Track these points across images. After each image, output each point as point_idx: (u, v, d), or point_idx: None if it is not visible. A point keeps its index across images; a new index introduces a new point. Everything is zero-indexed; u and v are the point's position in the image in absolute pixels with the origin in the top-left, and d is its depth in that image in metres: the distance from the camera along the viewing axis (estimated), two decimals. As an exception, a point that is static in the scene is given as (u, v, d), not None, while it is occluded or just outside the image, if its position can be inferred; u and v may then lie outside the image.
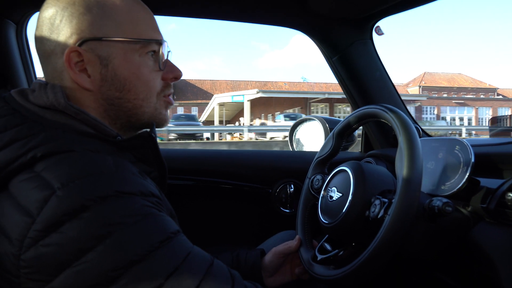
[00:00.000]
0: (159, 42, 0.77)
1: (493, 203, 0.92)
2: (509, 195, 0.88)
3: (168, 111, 0.84)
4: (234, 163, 1.64)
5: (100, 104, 0.74)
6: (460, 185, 0.99)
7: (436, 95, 42.23)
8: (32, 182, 0.58)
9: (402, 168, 0.80)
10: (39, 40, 0.73)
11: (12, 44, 1.30)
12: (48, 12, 0.71)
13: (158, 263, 0.57)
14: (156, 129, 0.85)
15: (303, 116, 2.14)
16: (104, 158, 0.64)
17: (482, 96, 42.06)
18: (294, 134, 2.15)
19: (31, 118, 0.67)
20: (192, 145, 14.28)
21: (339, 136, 1.13)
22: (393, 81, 1.55)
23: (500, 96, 45.98)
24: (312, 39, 1.51)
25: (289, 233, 1.32)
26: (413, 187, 0.78)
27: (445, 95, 42.74)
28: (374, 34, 1.46)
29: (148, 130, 0.78)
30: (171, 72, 0.81)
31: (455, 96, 43.76)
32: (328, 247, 1.01)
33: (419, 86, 44.55)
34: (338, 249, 0.97)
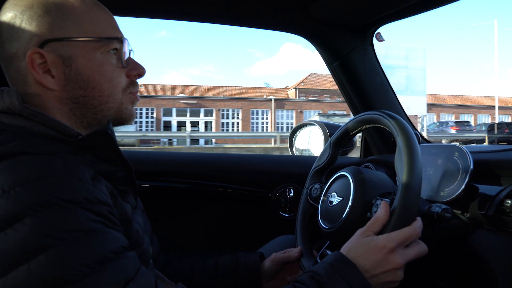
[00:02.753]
0: (120, 39, 0.78)
1: (492, 210, 0.93)
2: (508, 202, 0.89)
3: (134, 106, 0.85)
4: (234, 167, 1.65)
5: (65, 104, 0.75)
6: (459, 191, 0.99)
7: (317, 98, 38.26)
8: None
9: (402, 170, 0.81)
10: (1, 43, 0.73)
11: None
12: (7, 16, 0.71)
13: (93, 286, 0.55)
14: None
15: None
16: (53, 161, 0.63)
17: None
18: (294, 138, 2.16)
19: None
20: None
21: (336, 145, 1.13)
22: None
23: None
24: (313, 45, 1.52)
25: (288, 238, 1.33)
26: (414, 189, 0.79)
27: (327, 98, 38.19)
28: (374, 40, 1.47)
29: (104, 127, 0.77)
30: (134, 69, 0.82)
31: (339, 99, 38.41)
32: (329, 253, 1.01)
33: (296, 89, 40.75)
34: None
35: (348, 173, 0.98)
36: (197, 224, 1.60)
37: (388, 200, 0.86)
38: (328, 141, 1.15)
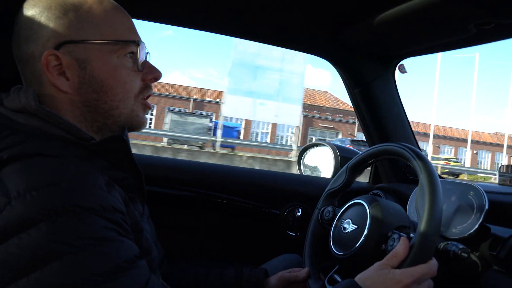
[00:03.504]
0: (137, 43, 0.77)
1: (504, 252, 0.94)
2: None
3: (146, 114, 0.84)
4: (245, 181, 1.66)
5: (77, 107, 0.74)
6: (472, 230, 1.00)
7: None
8: None
9: (423, 207, 0.83)
10: (16, 44, 0.74)
11: None
12: (25, 16, 0.72)
13: None
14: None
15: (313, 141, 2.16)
16: (67, 166, 0.62)
17: (339, 118, 37.24)
18: (303, 157, 2.17)
19: (2, 121, 0.67)
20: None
21: (353, 170, 1.14)
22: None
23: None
24: (337, 69, 1.54)
25: (292, 257, 1.33)
26: (434, 228, 0.80)
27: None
28: (397, 71, 1.50)
29: (120, 133, 0.77)
30: (150, 73, 0.81)
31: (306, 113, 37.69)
32: (338, 278, 1.02)
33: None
34: None
35: (365, 201, 0.99)
36: (201, 234, 1.60)
37: (405, 235, 0.87)
38: (345, 166, 1.16)
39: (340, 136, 34.39)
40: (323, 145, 2.04)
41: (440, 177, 1.47)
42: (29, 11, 0.72)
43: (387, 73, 1.49)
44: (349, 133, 36.27)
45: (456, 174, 22.04)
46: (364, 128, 1.63)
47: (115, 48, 0.74)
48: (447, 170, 21.39)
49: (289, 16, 1.25)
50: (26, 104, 0.69)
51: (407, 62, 1.48)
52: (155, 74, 0.82)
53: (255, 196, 1.61)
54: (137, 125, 0.82)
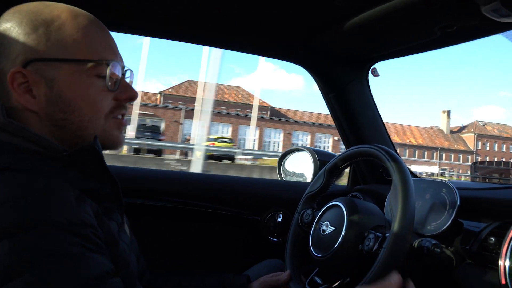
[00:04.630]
0: (107, 62, 0.74)
1: (475, 246, 0.97)
2: (491, 240, 0.93)
3: (122, 132, 0.81)
4: (224, 189, 1.66)
5: (44, 125, 0.72)
6: (445, 226, 1.04)
7: (185, 105, 36.53)
8: None
9: (397, 205, 0.85)
10: None
11: None
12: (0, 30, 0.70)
13: None
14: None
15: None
16: (35, 180, 0.61)
17: (249, 113, 35.35)
18: (283, 163, 2.18)
19: None
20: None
21: (330, 173, 1.17)
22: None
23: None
24: (312, 75, 1.57)
25: (275, 262, 1.34)
26: (407, 225, 0.83)
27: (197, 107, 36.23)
28: (370, 75, 1.53)
29: (92, 143, 0.74)
30: (124, 93, 0.78)
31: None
32: (318, 280, 1.03)
33: (161, 94, 40.42)
34: (328, 282, 0.99)
35: (342, 203, 1.01)
36: (183, 244, 1.59)
37: (380, 234, 0.90)
38: (323, 169, 1.18)
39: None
40: (302, 150, 2.06)
41: (415, 176, 1.51)
42: (2, 25, 0.70)
43: (361, 77, 1.52)
44: (287, 132, 37.14)
45: (225, 157, 19.11)
46: (341, 131, 1.66)
47: (84, 67, 0.72)
48: (211, 153, 18.33)
49: (262, 25, 1.28)
50: None
51: (379, 66, 1.51)
52: (130, 94, 0.79)
53: (236, 203, 1.62)
54: (112, 144, 0.79)
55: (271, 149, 36.60)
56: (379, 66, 1.51)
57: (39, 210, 0.56)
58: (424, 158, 53.60)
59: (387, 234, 0.85)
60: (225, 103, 41.54)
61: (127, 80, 0.82)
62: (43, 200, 0.58)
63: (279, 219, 1.63)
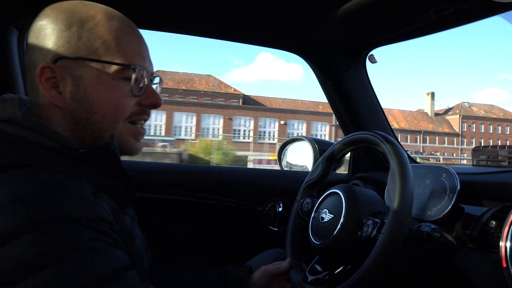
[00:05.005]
0: (134, 67, 0.74)
1: (476, 230, 0.96)
2: (492, 223, 0.93)
3: (139, 140, 0.82)
4: (224, 180, 1.66)
5: (68, 122, 0.73)
6: (445, 211, 1.03)
7: None
8: None
9: (394, 190, 0.85)
10: (26, 51, 0.75)
11: (13, 50, 1.31)
12: (37, 25, 0.72)
13: None
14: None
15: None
16: (53, 176, 0.62)
17: (220, 102, 37.10)
18: (283, 153, 2.18)
19: None
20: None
21: (329, 160, 1.16)
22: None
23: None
24: (309, 63, 1.56)
25: (277, 251, 1.34)
26: (406, 209, 0.83)
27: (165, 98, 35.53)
28: (367, 62, 1.52)
29: (108, 142, 0.74)
30: (149, 99, 0.79)
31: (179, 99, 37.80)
32: (318, 268, 1.03)
33: None
34: (329, 270, 0.99)
35: (340, 190, 1.01)
36: (184, 236, 1.60)
37: (379, 220, 0.89)
38: (321, 157, 1.18)
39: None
40: (302, 139, 2.06)
41: (415, 162, 1.50)
42: (41, 20, 0.72)
43: (358, 64, 1.51)
44: (227, 117, 36.54)
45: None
46: (339, 119, 1.65)
47: (111, 69, 0.72)
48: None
49: (257, 14, 1.27)
50: (12, 114, 0.68)
51: (377, 52, 1.50)
52: (154, 100, 0.80)
53: (236, 194, 1.62)
54: (128, 151, 0.80)
55: (241, 137, 36.94)
56: (377, 52, 1.50)
57: (58, 205, 0.57)
58: (407, 142, 51.68)
59: (385, 220, 0.85)
60: (195, 92, 41.00)
61: (154, 86, 0.83)
62: (62, 196, 0.59)
63: (280, 209, 1.63)
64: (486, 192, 1.06)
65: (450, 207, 1.03)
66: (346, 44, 1.43)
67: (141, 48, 0.77)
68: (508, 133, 56.98)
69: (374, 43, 1.41)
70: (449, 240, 1.02)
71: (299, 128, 40.26)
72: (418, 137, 52.68)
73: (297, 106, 44.97)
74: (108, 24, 0.73)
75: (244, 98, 44.12)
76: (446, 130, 55.02)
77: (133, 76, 0.74)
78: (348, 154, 1.85)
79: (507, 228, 0.81)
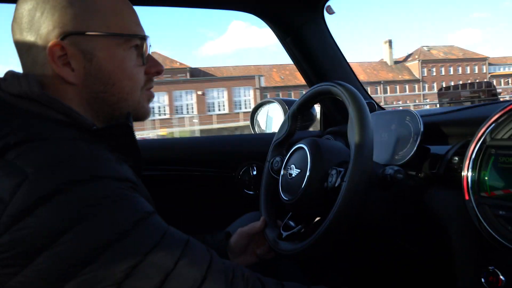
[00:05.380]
0: (143, 37, 0.77)
1: (442, 168, 0.97)
2: (455, 159, 0.93)
3: (150, 104, 0.86)
4: (195, 150, 1.64)
5: (83, 98, 0.73)
6: (411, 153, 1.04)
7: None
8: (3, 170, 0.57)
9: (353, 136, 0.84)
10: (17, 32, 0.71)
11: None
12: (28, 4, 0.69)
13: (136, 241, 0.58)
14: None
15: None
16: (78, 144, 0.64)
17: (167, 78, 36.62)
18: (255, 117, 2.17)
19: (3, 106, 0.66)
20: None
21: (294, 117, 1.16)
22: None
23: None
24: (264, 21, 1.52)
25: (254, 215, 1.34)
26: (366, 152, 0.82)
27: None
28: (325, 13, 1.49)
29: (125, 121, 0.77)
30: (153, 67, 0.82)
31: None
32: (292, 224, 1.04)
33: None
34: (302, 224, 1.00)
35: (305, 144, 1.00)
36: (162, 209, 1.59)
37: (342, 169, 0.89)
38: (286, 114, 1.17)
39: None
40: (272, 102, 2.04)
41: (381, 108, 1.50)
42: (30, 0, 0.69)
43: (315, 16, 1.47)
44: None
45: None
46: (304, 75, 1.63)
47: (120, 41, 0.74)
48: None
49: None
50: (28, 89, 0.67)
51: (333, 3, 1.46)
52: (158, 68, 0.83)
53: (209, 163, 1.61)
54: (143, 115, 0.83)
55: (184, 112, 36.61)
56: (333, 3, 1.46)
57: (90, 167, 0.60)
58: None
59: (349, 166, 0.84)
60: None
61: None
62: (91, 160, 0.62)
63: (254, 172, 1.63)
64: (449, 131, 1.07)
65: (415, 149, 1.03)
66: None
67: (138, 18, 0.79)
68: (468, 72, 56.75)
69: None
70: (417, 181, 1.03)
71: (219, 96, 39.50)
72: (378, 88, 51.30)
73: (250, 72, 44.33)
74: None
75: (191, 71, 43.49)
76: (407, 77, 54.29)
77: (143, 46, 0.77)
78: (319, 111, 1.86)
79: (468, 160, 0.81)
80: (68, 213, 0.55)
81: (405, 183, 0.98)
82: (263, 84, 41.47)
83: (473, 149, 0.81)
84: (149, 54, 0.81)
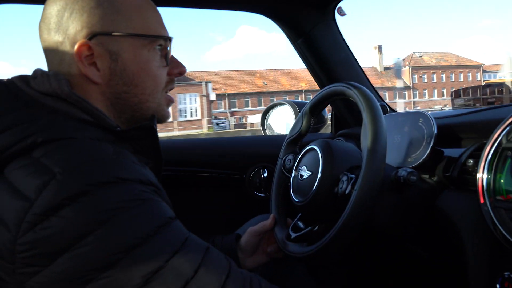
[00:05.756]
0: (167, 38, 0.78)
1: (456, 171, 0.95)
2: (470, 162, 0.92)
3: (169, 108, 0.86)
4: (207, 152, 1.64)
5: (106, 98, 0.75)
6: (424, 156, 1.02)
7: None
8: (29, 167, 0.58)
9: (366, 141, 0.83)
10: (45, 32, 0.72)
11: None
12: (57, 5, 0.71)
13: (158, 246, 0.58)
14: None
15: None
16: (105, 145, 0.64)
17: None
18: (266, 119, 2.16)
19: (32, 103, 0.67)
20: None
21: (308, 115, 1.15)
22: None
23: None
24: (276, 23, 1.52)
25: (265, 217, 1.33)
26: (378, 160, 0.80)
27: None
28: (336, 15, 1.48)
29: (148, 122, 0.78)
30: (176, 68, 0.83)
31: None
32: (301, 225, 1.03)
33: None
34: (311, 226, 0.99)
35: (317, 146, 0.99)
36: (175, 211, 1.59)
37: (353, 176, 0.87)
38: (300, 112, 1.16)
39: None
40: (283, 104, 2.04)
41: (393, 110, 1.48)
42: (59, 1, 0.71)
43: (327, 18, 1.47)
44: None
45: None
46: (315, 77, 1.62)
47: (145, 41, 0.75)
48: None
49: None
50: (58, 88, 0.68)
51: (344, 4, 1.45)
52: (181, 69, 0.84)
53: (220, 164, 1.60)
54: (162, 118, 0.83)
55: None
56: (345, 4, 1.45)
57: (115, 169, 0.60)
58: None
59: (360, 174, 0.83)
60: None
61: None
62: (117, 162, 0.62)
63: (265, 174, 1.62)
64: (463, 133, 1.05)
65: (428, 151, 1.02)
66: None
67: (161, 18, 0.80)
68: (462, 79, 55.22)
69: None
70: (430, 185, 1.01)
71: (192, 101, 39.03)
72: None
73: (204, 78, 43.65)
74: None
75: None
76: (397, 84, 53.08)
77: (168, 47, 0.79)
78: (330, 114, 1.85)
79: (483, 163, 0.79)
80: (92, 215, 0.55)
81: (418, 185, 0.96)
82: (211, 91, 40.90)
83: (488, 151, 0.79)
84: (172, 55, 0.82)
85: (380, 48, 56.23)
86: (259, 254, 1.09)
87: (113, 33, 0.71)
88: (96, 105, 0.72)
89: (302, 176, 1.00)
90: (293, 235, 1.00)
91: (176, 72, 0.83)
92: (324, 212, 0.95)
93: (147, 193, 0.62)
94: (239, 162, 1.63)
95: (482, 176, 0.79)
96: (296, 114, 1.84)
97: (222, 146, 1.71)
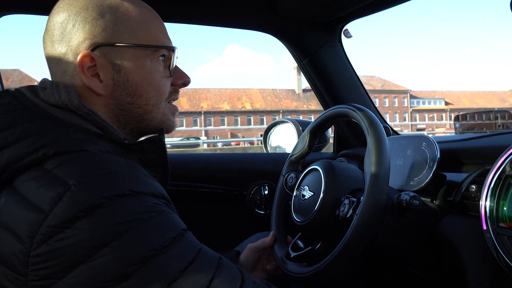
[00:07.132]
0: (170, 48, 0.78)
1: (458, 196, 0.96)
2: (473, 188, 0.92)
3: (175, 117, 0.86)
4: (209, 167, 1.64)
5: (110, 109, 0.74)
6: (427, 180, 1.02)
7: None
8: (42, 179, 0.57)
9: (370, 166, 0.82)
10: (49, 43, 0.72)
11: None
12: (60, 16, 0.71)
13: (173, 257, 0.58)
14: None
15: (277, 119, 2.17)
16: (117, 158, 0.64)
17: None
18: (268, 136, 2.17)
19: (42, 115, 0.66)
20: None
21: (312, 133, 1.15)
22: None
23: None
24: (282, 42, 1.54)
25: (265, 234, 1.33)
26: (380, 186, 0.80)
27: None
28: (343, 37, 1.50)
29: (157, 135, 0.78)
30: (180, 78, 0.83)
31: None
32: (301, 244, 1.03)
33: None
34: (311, 246, 0.98)
35: (320, 167, 0.99)
36: None
37: (355, 199, 0.87)
38: (305, 130, 1.17)
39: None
40: (286, 122, 2.04)
41: (396, 133, 1.49)
42: (65, 11, 0.71)
43: (333, 39, 1.49)
44: None
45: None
46: (319, 97, 1.63)
47: (148, 52, 0.74)
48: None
49: None
50: (68, 100, 0.68)
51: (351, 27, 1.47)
52: (185, 80, 0.84)
53: (221, 180, 1.60)
54: (168, 128, 0.83)
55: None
56: (351, 27, 1.47)
57: (129, 181, 0.60)
58: (263, 124, 46.24)
59: (362, 198, 0.83)
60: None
61: None
62: (130, 174, 0.62)
63: (265, 192, 1.62)
64: (466, 158, 1.05)
65: (431, 175, 1.02)
66: (319, 19, 1.40)
67: (165, 29, 0.80)
68: (387, 105, 54.09)
69: (346, 16, 1.38)
70: (432, 208, 1.01)
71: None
72: (277, 117, 46.08)
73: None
74: (137, 8, 0.74)
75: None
76: (313, 107, 50.54)
77: (171, 57, 0.78)
78: (332, 134, 1.86)
79: (486, 190, 0.80)
80: (108, 227, 0.55)
81: (420, 209, 0.96)
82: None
83: (491, 178, 0.80)
84: (176, 65, 0.81)
85: (299, 69, 55.13)
86: (258, 271, 1.08)
87: (116, 44, 0.71)
88: (103, 116, 0.72)
89: (304, 196, 1.00)
90: (292, 254, 0.99)
91: (180, 82, 0.83)
92: (324, 233, 0.95)
93: (160, 205, 0.62)
94: (240, 178, 1.63)
95: (484, 203, 0.79)
96: (298, 133, 1.84)
97: (223, 162, 1.71)
